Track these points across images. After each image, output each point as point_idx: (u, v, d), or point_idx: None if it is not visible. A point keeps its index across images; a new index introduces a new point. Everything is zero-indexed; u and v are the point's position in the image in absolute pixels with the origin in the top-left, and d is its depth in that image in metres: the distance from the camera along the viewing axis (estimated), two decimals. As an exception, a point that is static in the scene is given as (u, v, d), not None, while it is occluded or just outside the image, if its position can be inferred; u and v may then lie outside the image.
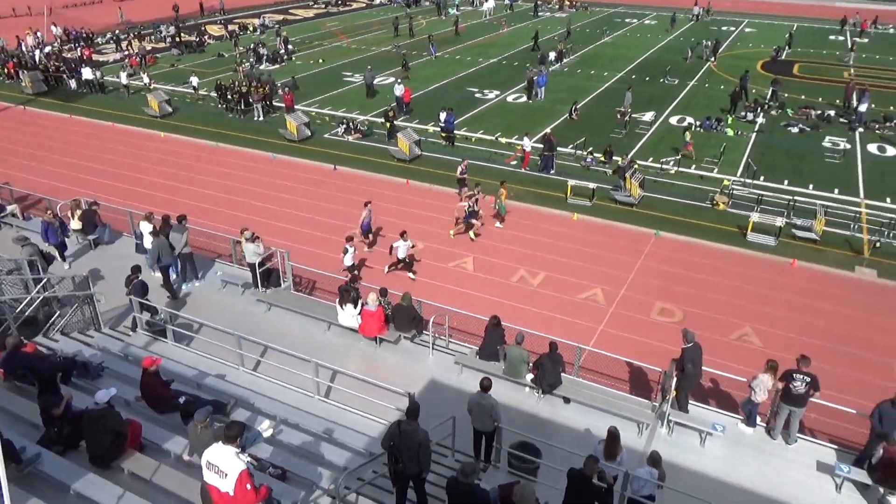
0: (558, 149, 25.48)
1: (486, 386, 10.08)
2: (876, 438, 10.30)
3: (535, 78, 33.98)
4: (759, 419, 11.68)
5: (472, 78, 38.01)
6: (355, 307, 13.52)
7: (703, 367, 11.62)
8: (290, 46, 44.72)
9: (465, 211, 19.63)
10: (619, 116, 29.72)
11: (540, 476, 9.90)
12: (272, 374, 12.07)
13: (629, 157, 24.12)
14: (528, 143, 25.25)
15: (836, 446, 11.37)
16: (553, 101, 33.25)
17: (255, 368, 12.52)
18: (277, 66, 41.57)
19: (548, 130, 27.08)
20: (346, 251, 16.41)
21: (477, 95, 34.43)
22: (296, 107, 32.00)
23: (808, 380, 11.08)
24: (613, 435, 9.27)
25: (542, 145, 25.23)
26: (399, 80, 32.08)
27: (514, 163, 25.74)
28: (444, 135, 27.83)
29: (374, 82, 34.90)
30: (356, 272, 16.22)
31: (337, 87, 36.23)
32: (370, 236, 19.31)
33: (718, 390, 13.55)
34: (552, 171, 24.70)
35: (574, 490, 8.22)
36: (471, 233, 19.81)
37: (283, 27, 52.82)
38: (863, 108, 30.03)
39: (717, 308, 16.60)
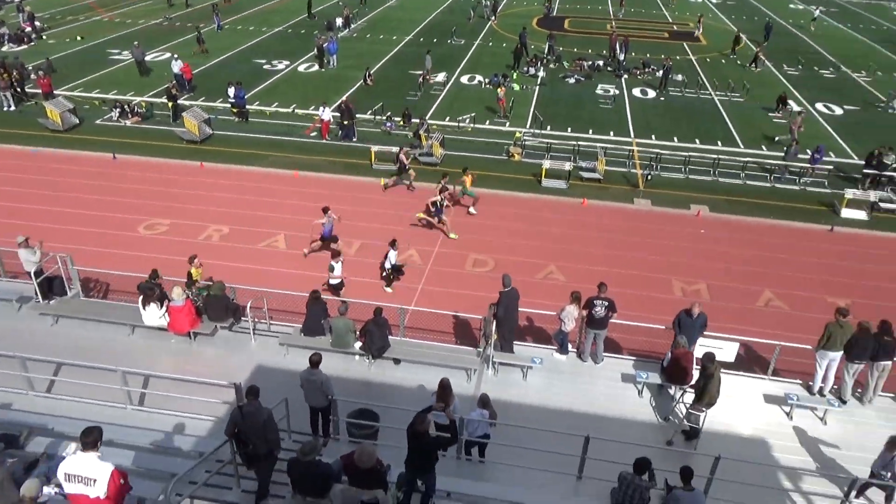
0: (357, 116, 25.42)
1: (315, 361, 9.98)
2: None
3: (324, 45, 33.34)
4: (570, 346, 12.92)
5: (258, 49, 36.30)
6: (161, 306, 12.54)
7: (521, 309, 12.54)
8: (37, 23, 39.16)
9: (434, 206, 18.42)
10: (421, 79, 30.36)
11: (381, 438, 10.10)
12: (72, 391, 10.85)
13: (426, 117, 24.80)
14: (326, 113, 24.84)
15: (635, 358, 12.96)
16: (346, 67, 32.95)
17: (49, 390, 11.16)
18: (25, 46, 36.29)
19: (344, 98, 26.86)
20: (332, 268, 15.04)
21: (266, 67, 33.01)
22: (55, 92, 28.28)
23: (607, 304, 12.45)
24: (444, 385, 9.70)
25: (339, 114, 25.00)
26: (176, 56, 29.66)
27: (313, 134, 25.24)
28: (235, 111, 26.40)
29: (147, 59, 31.92)
30: (341, 291, 15.13)
31: (103, 67, 32.60)
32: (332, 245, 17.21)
33: (534, 327, 14.72)
34: (354, 139, 24.62)
35: (413, 445, 8.52)
36: (451, 233, 18.51)
37: (25, 1, 45.99)
38: (622, 56, 33.72)
39: (523, 252, 17.88)
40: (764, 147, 24.90)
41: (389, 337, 12.39)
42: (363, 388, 11.77)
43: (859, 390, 12.18)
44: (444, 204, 18.78)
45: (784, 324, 14.95)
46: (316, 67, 33.09)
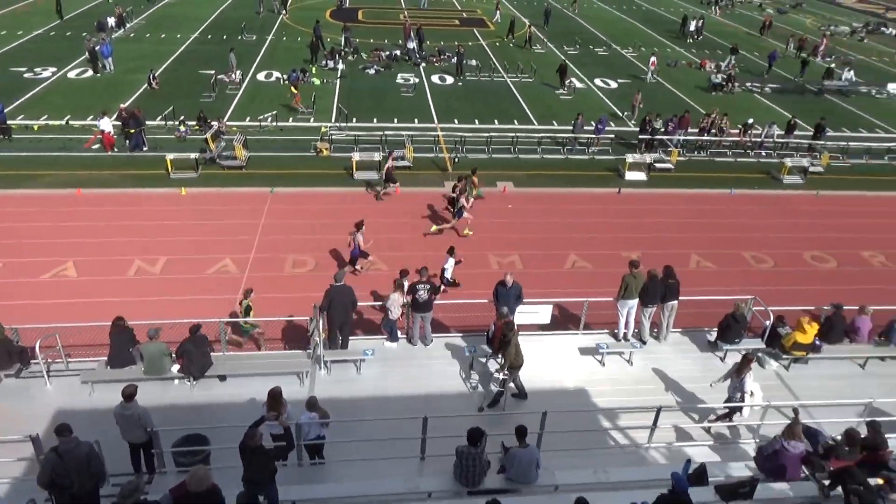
0: (146, 122, 23.53)
1: (128, 394, 9.18)
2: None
3: (97, 48, 30.34)
4: (399, 333, 13.15)
5: (15, 55, 32.07)
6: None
7: (360, 302, 12.52)
8: None
9: (452, 207, 18.61)
10: (224, 79, 28.90)
11: (214, 461, 9.57)
12: None
13: (224, 119, 23.65)
14: (106, 123, 22.65)
15: (462, 334, 13.52)
16: (125, 71, 30.29)
17: None
18: None
19: (126, 104, 24.73)
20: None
21: (28, 76, 29.30)
22: None
23: (429, 287, 12.83)
24: (273, 395, 9.42)
25: (122, 122, 22.96)
26: None
27: (95, 146, 22.93)
28: (-7, 128, 23.17)
29: None
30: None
31: None
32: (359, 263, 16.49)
33: (364, 320, 14.76)
34: (144, 149, 22.79)
35: (248, 461, 8.20)
36: (466, 230, 18.74)
37: None
38: (411, 45, 34.64)
39: (343, 247, 17.77)
40: (555, 122, 27.05)
41: (211, 353, 11.73)
42: (188, 412, 11.03)
43: (655, 330, 13.80)
44: (463, 204, 18.82)
45: (589, 281, 16.46)
46: (90, 73, 30.03)
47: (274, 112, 25.97)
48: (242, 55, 33.29)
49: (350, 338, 12.68)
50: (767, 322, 13.40)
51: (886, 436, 10.07)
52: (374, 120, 26.26)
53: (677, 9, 53.12)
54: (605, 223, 19.88)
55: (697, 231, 19.74)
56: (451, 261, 15.96)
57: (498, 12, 44.28)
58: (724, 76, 33.17)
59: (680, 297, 13.61)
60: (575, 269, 17.52)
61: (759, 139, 25.67)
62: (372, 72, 32.42)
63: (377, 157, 22.02)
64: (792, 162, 23.67)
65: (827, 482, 9.26)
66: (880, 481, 8.76)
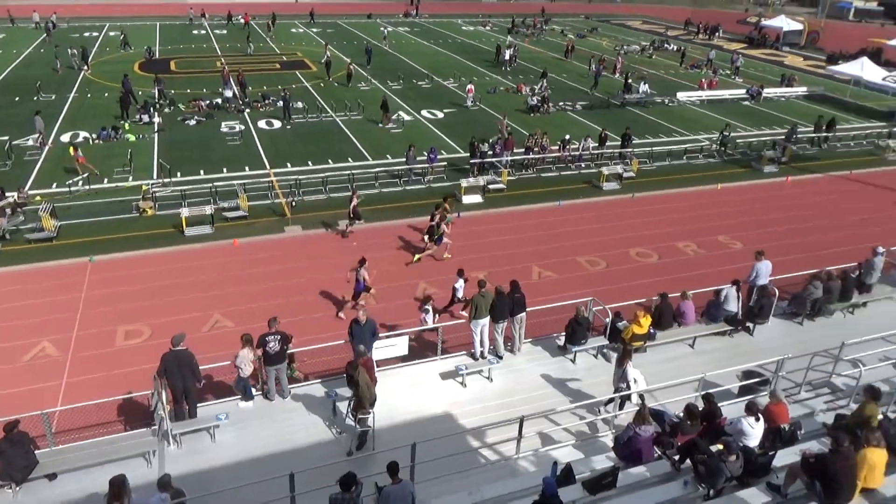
0: (-73, 202, 20.71)
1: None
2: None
3: None
4: (254, 390, 12.54)
5: None
6: None
7: (202, 367, 11.75)
8: None
9: (430, 234, 19.42)
10: (39, 144, 26.18)
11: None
12: None
13: (26, 188, 21.47)
14: None
15: (321, 380, 13.16)
16: None
17: None
18: None
19: None
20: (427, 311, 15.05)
21: None
22: None
23: (280, 337, 12.39)
24: (114, 483, 8.56)
25: None
26: None
27: None
28: None
29: None
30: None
31: None
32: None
33: (216, 383, 13.89)
34: (-70, 231, 20.02)
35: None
36: (445, 253, 19.76)
37: None
38: (228, 93, 33.79)
39: (182, 308, 16.73)
40: (389, 156, 27.52)
41: (36, 451, 10.43)
42: (13, 524, 9.70)
43: (509, 344, 14.34)
44: (444, 230, 19.65)
45: (442, 306, 16.76)
46: None
47: (85, 174, 23.98)
48: (42, 117, 30.54)
49: (198, 404, 11.89)
50: (607, 319, 14.44)
51: (719, 404, 11.19)
52: (202, 172, 25.15)
53: (489, 39, 56.62)
54: (453, 247, 20.43)
55: (535, 244, 20.88)
56: (461, 281, 16.70)
57: (327, 53, 44.63)
58: (539, 98, 35.71)
59: (527, 309, 14.30)
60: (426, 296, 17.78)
61: (577, 153, 27.83)
62: (193, 122, 31.12)
63: (209, 210, 21.05)
64: (608, 170, 25.89)
65: (676, 457, 10.07)
66: (720, 446, 9.67)
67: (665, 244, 21.33)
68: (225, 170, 25.47)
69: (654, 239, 21.46)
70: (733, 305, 15.10)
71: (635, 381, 12.21)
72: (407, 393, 12.75)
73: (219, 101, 33.86)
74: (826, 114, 35.51)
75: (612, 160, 28.00)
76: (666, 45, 58.71)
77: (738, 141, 31.31)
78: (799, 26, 63.53)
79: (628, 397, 12.20)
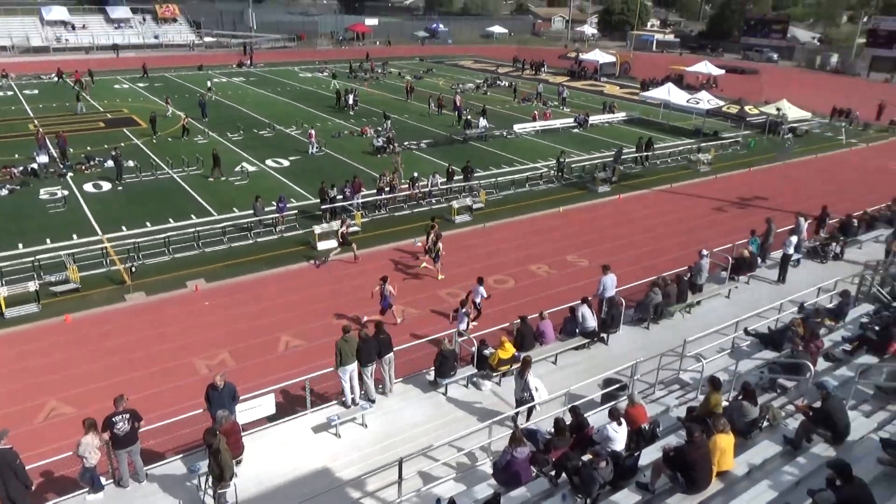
0: None
1: None
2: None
3: None
4: (103, 479, 11.36)
5: None
6: None
7: (28, 466, 10.42)
8: None
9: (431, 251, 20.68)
10: None
11: None
12: None
13: None
14: None
15: (182, 455, 12.20)
16: None
17: None
18: None
19: None
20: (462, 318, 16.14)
21: None
22: None
23: (129, 415, 11.36)
24: None
25: None
26: None
27: None
28: None
29: None
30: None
31: None
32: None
33: (56, 479, 12.40)
34: None
35: None
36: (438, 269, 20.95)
37: None
38: (43, 158, 31.04)
39: (9, 401, 14.87)
40: (235, 209, 26.56)
41: None
42: None
43: (380, 386, 14.18)
44: (440, 249, 20.75)
45: (307, 358, 16.27)
46: None
47: None
48: None
49: (37, 507, 10.56)
50: (473, 348, 14.75)
51: (586, 414, 11.76)
52: (20, 246, 22.76)
53: (328, 85, 56.94)
54: (309, 296, 20.00)
55: (396, 282, 20.95)
56: (481, 289, 17.72)
57: (169, 107, 42.52)
58: (385, 139, 36.29)
59: (395, 348, 14.27)
60: (290, 350, 17.19)
61: (426, 189, 28.50)
62: (5, 192, 28.19)
63: (32, 287, 18.99)
64: (458, 203, 26.73)
65: (552, 473, 10.40)
66: (590, 455, 10.13)
67: (519, 268, 22.28)
68: (48, 240, 23.24)
69: (508, 265, 22.35)
70: (592, 322, 16.04)
71: (537, 389, 12.77)
72: (278, 454, 12.16)
73: (34, 166, 30.99)
74: (644, 135, 39.26)
75: (461, 193, 28.96)
76: (498, 82, 62.24)
77: (572, 165, 33.68)
78: (612, 58, 70.19)
79: (534, 406, 12.63)
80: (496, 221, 26.51)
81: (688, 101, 44.38)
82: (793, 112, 43.69)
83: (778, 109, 43.30)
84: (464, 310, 16.63)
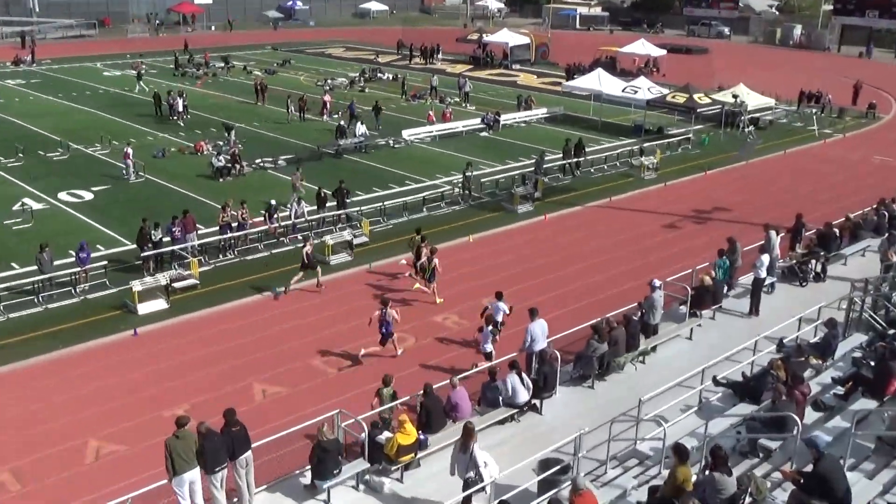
0: None
1: None
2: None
3: None
4: None
5: None
6: None
7: None
8: None
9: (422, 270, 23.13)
10: None
11: None
12: None
13: None
14: None
15: None
16: None
17: None
18: None
19: None
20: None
21: None
22: None
23: None
24: None
25: None
26: None
27: None
28: None
29: None
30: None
31: None
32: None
33: None
34: None
35: None
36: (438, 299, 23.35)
37: None
38: None
39: None
40: (15, 265, 25.18)
41: None
42: None
43: (236, 498, 13.66)
44: (436, 266, 23.04)
45: (127, 469, 15.47)
46: None
47: None
48: None
49: None
50: (362, 435, 14.51)
51: None
52: None
53: (148, 87, 55.65)
54: (128, 381, 19.16)
55: (250, 352, 20.49)
56: (501, 305, 19.97)
57: None
58: (228, 157, 35.74)
59: (254, 444, 13.82)
60: (102, 458, 16.34)
61: (289, 221, 28.18)
62: None
63: None
64: (333, 239, 26.58)
65: None
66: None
67: (420, 321, 22.29)
68: None
69: (406, 316, 22.28)
70: (523, 395, 16.14)
71: (486, 464, 12.87)
72: None
73: None
74: (572, 136, 40.74)
75: (337, 225, 28.85)
76: (380, 75, 63.11)
77: (482, 180, 34.41)
78: (525, 40, 72.95)
79: (482, 489, 12.75)
80: (384, 260, 26.52)
81: (624, 91, 46.57)
82: (753, 99, 46.74)
83: (735, 97, 46.17)
84: (490, 327, 19.05)
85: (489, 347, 18.93)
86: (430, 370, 19.37)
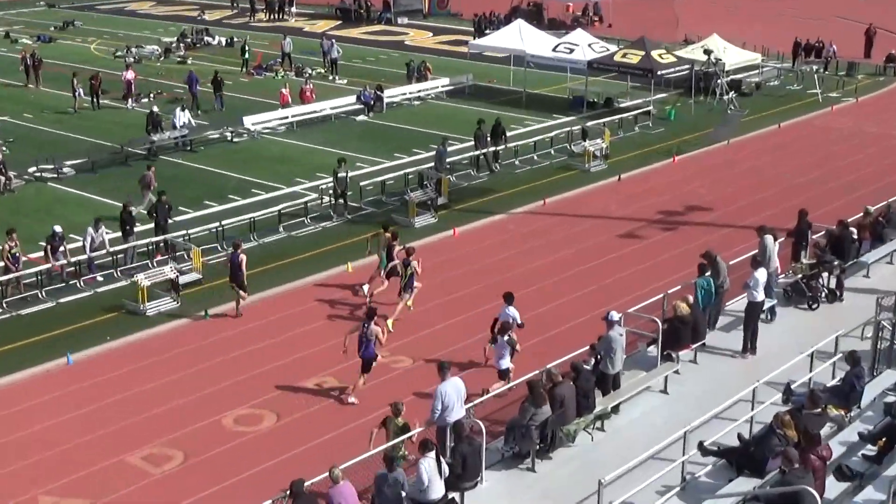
0: None
1: None
2: None
3: None
4: None
5: None
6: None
7: None
8: None
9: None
10: None
11: None
12: None
13: None
14: None
15: None
16: None
17: None
18: None
19: None
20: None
21: None
22: None
23: None
24: None
25: None
26: None
27: None
28: None
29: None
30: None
31: None
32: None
33: None
34: None
35: None
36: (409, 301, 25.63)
37: None
38: None
39: None
40: None
41: None
42: None
43: None
44: (415, 270, 25.00)
45: None
46: None
47: None
48: None
49: None
50: None
51: None
52: None
53: None
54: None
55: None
56: (511, 310, 21.69)
57: None
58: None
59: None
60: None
61: (84, 255, 27.36)
62: None
63: None
64: (149, 278, 25.98)
65: None
66: None
67: (273, 393, 21.91)
68: None
69: (257, 386, 21.94)
70: (438, 489, 15.94)
71: None
72: None
73: None
74: (487, 116, 40.90)
75: (155, 258, 28.25)
76: (208, 39, 62.50)
77: (362, 184, 34.22)
78: (416, -20, 73.06)
79: None
80: (226, 304, 26.07)
81: (556, 51, 47.24)
82: (732, 55, 48.00)
83: (708, 52, 47.18)
84: (506, 337, 20.77)
85: (506, 363, 20.63)
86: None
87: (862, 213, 27.59)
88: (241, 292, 25.62)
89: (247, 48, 56.15)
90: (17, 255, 26.65)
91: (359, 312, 25.01)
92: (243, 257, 25.59)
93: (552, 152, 39.50)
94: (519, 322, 21.70)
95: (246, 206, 32.91)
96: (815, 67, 53.60)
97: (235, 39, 60.31)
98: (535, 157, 38.99)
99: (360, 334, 21.03)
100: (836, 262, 24.36)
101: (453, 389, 17.69)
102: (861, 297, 23.71)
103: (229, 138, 41.13)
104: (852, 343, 19.91)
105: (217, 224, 30.27)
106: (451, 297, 26.64)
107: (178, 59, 57.14)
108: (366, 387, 21.18)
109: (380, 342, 21.45)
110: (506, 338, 20.76)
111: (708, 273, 22.13)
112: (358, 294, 26.74)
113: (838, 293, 24.15)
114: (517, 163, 38.34)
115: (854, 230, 26.02)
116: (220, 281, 27.34)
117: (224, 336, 24.73)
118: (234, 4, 75.96)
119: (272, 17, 71.11)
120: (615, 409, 19.22)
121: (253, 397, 21.44)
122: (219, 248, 29.35)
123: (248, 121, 42.44)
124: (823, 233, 26.00)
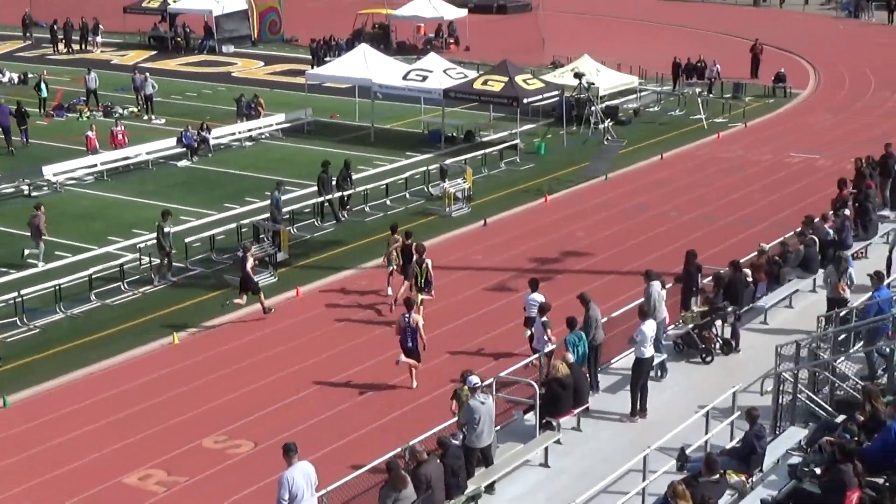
0: None
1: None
2: None
3: None
4: None
5: None
6: None
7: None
8: None
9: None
10: None
11: None
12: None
13: None
14: None
15: None
16: None
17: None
18: None
19: None
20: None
21: None
22: None
23: None
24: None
25: None
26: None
27: None
28: None
29: None
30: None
31: None
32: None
33: None
34: None
35: None
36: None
37: None
38: None
39: None
40: None
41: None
42: None
43: None
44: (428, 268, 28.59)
45: None
46: None
47: None
48: None
49: None
50: None
51: None
52: None
53: None
54: None
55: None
56: (536, 296, 24.45)
57: None
58: None
59: None
60: None
61: None
62: None
63: None
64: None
65: None
66: None
67: (97, 488, 21.53)
68: None
69: (76, 484, 21.55)
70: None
71: None
72: None
73: None
74: (330, 156, 41.01)
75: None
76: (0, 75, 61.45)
77: (188, 240, 33.83)
78: (241, 4, 72.68)
79: None
80: (35, 388, 25.48)
81: (406, 79, 47.63)
82: (606, 78, 49.12)
83: (579, 76, 48.13)
84: (543, 318, 23.17)
85: (549, 346, 22.88)
86: None
87: (756, 252, 28.26)
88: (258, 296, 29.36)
89: (44, 85, 55.11)
90: None
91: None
92: (248, 258, 29.15)
93: (407, 196, 39.88)
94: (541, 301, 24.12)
95: (50, 273, 32.21)
96: (698, 90, 55.29)
97: (30, 75, 59.28)
98: (388, 203, 39.27)
99: (401, 327, 24.32)
100: (729, 309, 25.05)
101: (301, 476, 17.56)
102: (759, 347, 24.39)
103: (26, 192, 40.32)
104: (751, 398, 20.43)
105: (15, 294, 29.57)
106: (285, 372, 26.17)
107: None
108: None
109: (421, 337, 24.39)
110: (543, 318, 22.98)
111: (579, 326, 22.42)
112: (387, 297, 30.13)
113: (734, 343, 24.85)
114: (367, 209, 38.52)
115: (748, 271, 26.76)
116: (20, 362, 26.73)
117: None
118: (27, 32, 74.68)
119: (74, 48, 70.15)
120: (490, 489, 19.28)
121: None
122: (18, 322, 28.66)
123: (49, 170, 41.72)
124: (712, 277, 26.48)
